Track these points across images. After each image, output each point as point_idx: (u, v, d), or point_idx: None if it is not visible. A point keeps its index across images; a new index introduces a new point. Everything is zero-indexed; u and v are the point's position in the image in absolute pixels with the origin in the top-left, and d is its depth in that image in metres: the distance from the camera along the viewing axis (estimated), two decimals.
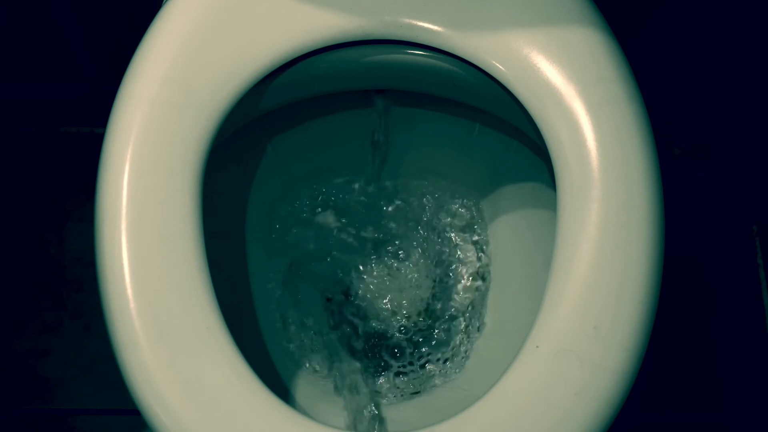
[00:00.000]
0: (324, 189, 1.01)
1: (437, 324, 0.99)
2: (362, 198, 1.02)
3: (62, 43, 1.17)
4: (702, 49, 1.19)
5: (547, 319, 0.70)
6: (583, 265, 0.72)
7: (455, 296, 1.00)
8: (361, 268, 1.02)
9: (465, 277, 1.00)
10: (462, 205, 1.01)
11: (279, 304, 0.97)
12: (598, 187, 0.74)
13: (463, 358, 0.95)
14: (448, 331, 0.98)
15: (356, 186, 1.02)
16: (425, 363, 0.96)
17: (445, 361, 0.96)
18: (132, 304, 0.70)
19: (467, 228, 1.01)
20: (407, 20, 0.81)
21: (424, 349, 0.97)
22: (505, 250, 0.97)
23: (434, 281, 1.01)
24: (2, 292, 1.21)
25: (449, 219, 1.02)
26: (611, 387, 0.69)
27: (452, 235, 1.01)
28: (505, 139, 0.93)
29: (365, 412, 0.88)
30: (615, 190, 0.74)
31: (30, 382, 1.17)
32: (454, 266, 1.01)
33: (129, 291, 0.70)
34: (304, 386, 0.91)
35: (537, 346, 0.70)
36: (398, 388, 0.94)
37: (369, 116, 0.96)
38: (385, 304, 1.00)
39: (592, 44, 0.79)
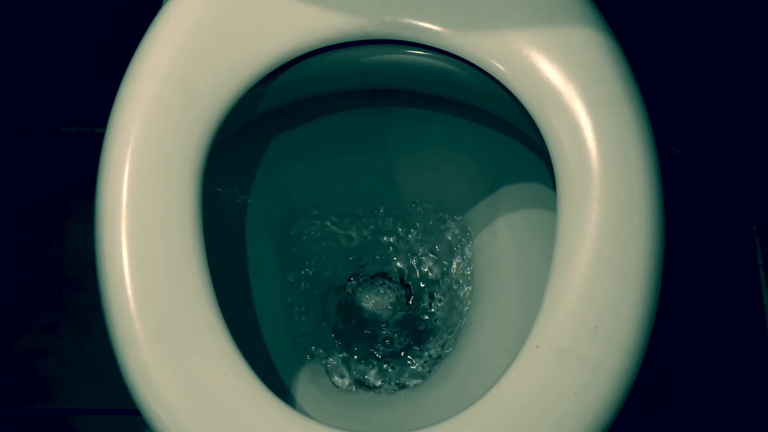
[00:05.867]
0: (323, 188, 1.01)
1: (427, 326, 0.99)
2: (362, 196, 1.02)
3: (62, 43, 1.17)
4: (702, 49, 1.19)
5: (547, 319, 0.70)
6: (583, 265, 0.72)
7: (451, 297, 1.00)
8: (359, 266, 1.02)
9: (463, 276, 1.00)
10: (461, 205, 1.01)
11: (279, 303, 0.97)
12: (598, 187, 0.74)
13: (460, 358, 0.95)
14: (440, 334, 0.98)
15: (356, 185, 1.02)
16: (414, 360, 0.97)
17: (435, 362, 0.96)
18: (132, 304, 0.70)
19: (466, 228, 1.01)
20: (407, 20, 0.81)
21: (415, 349, 0.97)
22: (504, 250, 0.97)
23: (432, 280, 1.01)
24: (2, 292, 1.21)
25: (448, 218, 1.02)
26: (611, 387, 0.69)
27: (451, 234, 1.01)
28: (505, 139, 0.93)
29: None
30: (615, 190, 0.74)
31: (30, 382, 1.17)
32: (452, 265, 1.01)
33: (129, 291, 0.70)
34: (304, 386, 0.91)
35: (537, 346, 0.70)
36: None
37: (369, 116, 0.96)
38: (378, 303, 1.00)
39: (592, 44, 0.79)
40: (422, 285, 1.02)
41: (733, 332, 1.21)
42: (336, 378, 0.95)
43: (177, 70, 0.77)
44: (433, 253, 1.02)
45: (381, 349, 0.98)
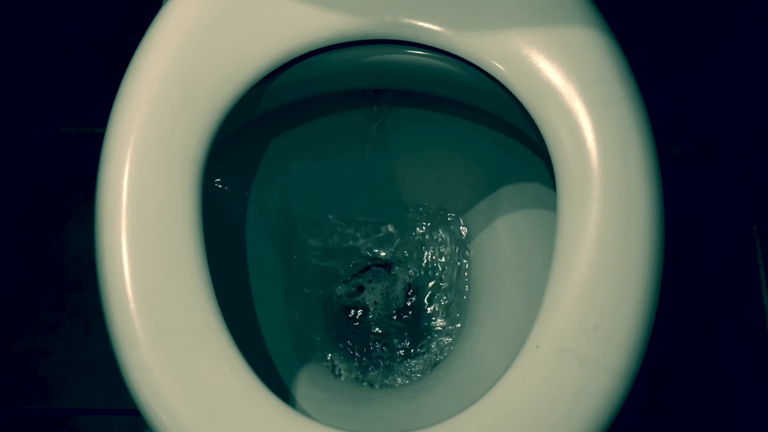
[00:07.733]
0: (324, 188, 1.01)
1: (428, 326, 0.99)
2: (362, 196, 1.02)
3: (62, 43, 1.17)
4: (702, 49, 1.19)
5: (547, 319, 0.70)
6: (583, 265, 0.72)
7: (451, 297, 1.00)
8: (359, 265, 1.02)
9: (463, 276, 1.00)
10: (461, 205, 1.01)
11: (279, 303, 0.97)
12: (598, 187, 0.74)
13: (460, 358, 0.95)
14: (439, 336, 0.98)
15: (356, 184, 1.02)
16: (414, 360, 0.97)
17: (435, 362, 0.96)
18: (132, 304, 0.70)
19: (466, 228, 1.01)
20: (407, 20, 0.81)
21: (415, 349, 0.97)
22: (504, 250, 0.97)
23: (433, 280, 1.01)
24: (2, 292, 1.21)
25: (448, 218, 1.02)
26: (611, 387, 0.69)
27: (451, 234, 1.01)
28: (505, 139, 0.93)
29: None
30: (615, 190, 0.74)
31: (30, 382, 1.17)
32: (452, 265, 1.01)
33: (129, 291, 0.70)
34: (304, 386, 0.91)
35: (537, 346, 0.70)
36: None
37: (369, 116, 0.96)
38: (378, 303, 1.00)
39: (592, 44, 0.79)
40: (422, 285, 1.02)
41: (733, 332, 1.21)
42: (336, 378, 0.95)
43: (177, 70, 0.77)
44: (433, 253, 1.02)
45: (381, 349, 0.98)
